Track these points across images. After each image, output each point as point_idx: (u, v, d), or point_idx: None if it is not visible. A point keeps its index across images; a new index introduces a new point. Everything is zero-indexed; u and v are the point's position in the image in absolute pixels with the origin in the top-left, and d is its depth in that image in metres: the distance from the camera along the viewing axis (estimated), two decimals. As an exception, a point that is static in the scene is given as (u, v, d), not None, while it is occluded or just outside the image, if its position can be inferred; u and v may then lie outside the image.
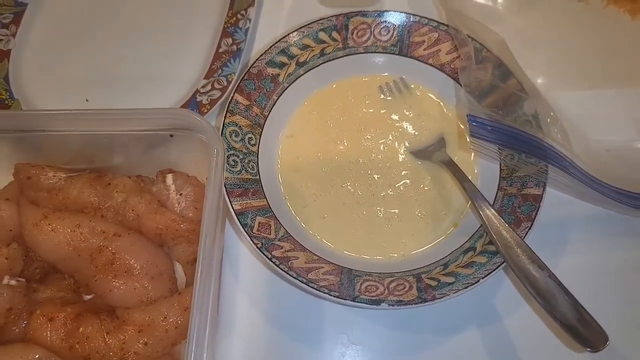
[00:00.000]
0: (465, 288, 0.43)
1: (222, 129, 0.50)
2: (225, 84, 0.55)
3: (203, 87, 0.56)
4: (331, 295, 0.43)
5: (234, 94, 0.51)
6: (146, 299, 0.45)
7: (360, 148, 0.53)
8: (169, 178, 0.50)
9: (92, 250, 0.46)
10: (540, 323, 0.46)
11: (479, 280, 0.43)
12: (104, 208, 0.48)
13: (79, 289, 0.47)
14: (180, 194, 0.50)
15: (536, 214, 0.45)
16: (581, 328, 0.39)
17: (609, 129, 0.54)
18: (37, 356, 0.41)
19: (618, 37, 0.58)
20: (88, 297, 0.47)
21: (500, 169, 0.49)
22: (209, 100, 0.54)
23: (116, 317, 0.44)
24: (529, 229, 0.45)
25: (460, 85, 0.52)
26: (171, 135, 0.46)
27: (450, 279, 0.44)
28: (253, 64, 0.53)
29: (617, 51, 0.57)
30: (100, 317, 0.44)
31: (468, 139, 0.52)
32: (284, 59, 0.54)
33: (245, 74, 0.52)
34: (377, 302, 0.43)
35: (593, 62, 0.57)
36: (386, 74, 0.56)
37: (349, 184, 0.52)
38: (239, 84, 0.52)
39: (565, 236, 0.49)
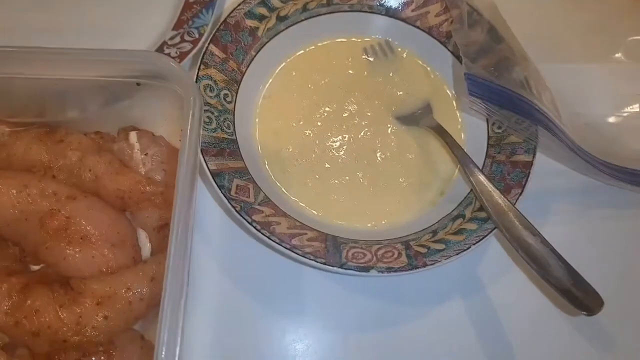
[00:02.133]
0: (457, 254, 0.41)
1: (196, 82, 0.45)
2: (197, 36, 0.50)
3: (171, 39, 0.50)
4: (318, 262, 0.39)
5: (208, 44, 0.47)
6: (106, 268, 0.40)
7: (343, 112, 0.50)
8: (133, 136, 0.45)
9: (41, 214, 0.40)
10: (533, 288, 0.45)
11: (470, 247, 0.41)
12: (56, 168, 0.43)
13: (25, 258, 0.42)
14: (146, 154, 0.45)
15: (526, 181, 0.44)
16: (577, 292, 0.38)
17: (588, 103, 0.54)
18: (-26, 332, 0.35)
19: (599, 11, 0.58)
20: (36, 267, 0.42)
21: (488, 137, 0.48)
22: (178, 53, 0.49)
23: (71, 289, 0.39)
24: (520, 194, 0.43)
25: (449, 50, 0.50)
26: (138, 84, 0.40)
27: (440, 246, 0.42)
28: (230, 14, 0.48)
29: (597, 26, 0.57)
30: (51, 289, 0.38)
31: (455, 104, 0.50)
32: (264, 10, 0.49)
33: (221, 23, 0.47)
34: (366, 269, 0.40)
35: (573, 36, 0.57)
36: (372, 35, 0.53)
37: (331, 149, 0.49)
38: (214, 34, 0.47)
39: (554, 206, 0.49)
